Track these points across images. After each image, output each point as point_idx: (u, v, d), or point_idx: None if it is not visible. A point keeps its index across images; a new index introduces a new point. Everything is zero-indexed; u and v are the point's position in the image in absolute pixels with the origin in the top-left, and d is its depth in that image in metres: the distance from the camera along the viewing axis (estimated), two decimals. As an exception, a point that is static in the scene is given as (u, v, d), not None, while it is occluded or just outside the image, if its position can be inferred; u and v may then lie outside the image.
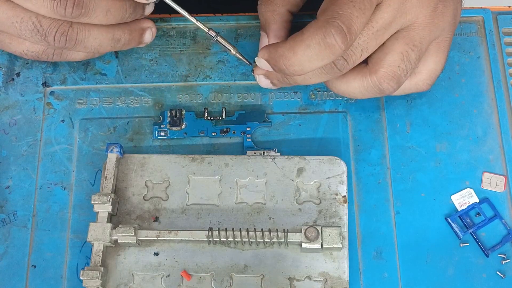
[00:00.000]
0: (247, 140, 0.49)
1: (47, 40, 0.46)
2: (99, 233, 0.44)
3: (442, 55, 0.46)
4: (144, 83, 0.51)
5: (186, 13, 0.47)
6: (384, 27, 0.43)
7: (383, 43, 0.44)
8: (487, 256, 0.46)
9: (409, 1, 0.43)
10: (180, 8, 0.47)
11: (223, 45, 0.48)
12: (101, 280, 0.43)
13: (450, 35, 0.46)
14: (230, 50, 0.48)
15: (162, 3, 0.47)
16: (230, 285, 0.44)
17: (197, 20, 0.47)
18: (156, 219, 0.45)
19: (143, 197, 0.46)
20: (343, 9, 0.40)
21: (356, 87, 0.45)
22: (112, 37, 0.48)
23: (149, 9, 0.49)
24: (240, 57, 0.48)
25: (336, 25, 0.40)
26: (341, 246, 0.43)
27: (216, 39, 0.47)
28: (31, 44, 0.48)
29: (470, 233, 0.46)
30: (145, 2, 0.46)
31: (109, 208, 0.44)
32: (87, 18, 0.45)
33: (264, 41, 0.47)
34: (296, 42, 0.41)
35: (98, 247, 0.44)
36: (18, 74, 0.51)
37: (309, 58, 0.41)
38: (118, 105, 0.50)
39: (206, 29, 0.47)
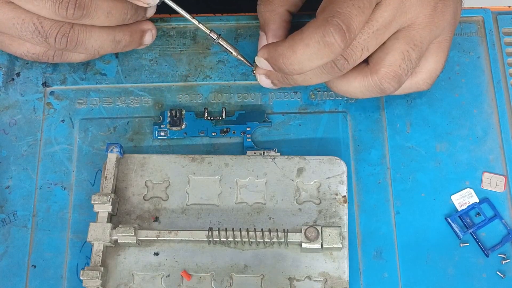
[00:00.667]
0: (247, 140, 0.49)
1: (48, 41, 0.46)
2: (99, 233, 0.44)
3: (442, 54, 0.46)
4: (144, 83, 0.51)
5: (188, 15, 0.47)
6: (384, 26, 0.43)
7: (383, 43, 0.44)
8: (487, 256, 0.46)
9: (409, 0, 0.43)
10: (182, 10, 0.47)
11: (225, 48, 0.48)
12: (101, 280, 0.43)
13: (450, 35, 0.46)
14: (232, 52, 0.48)
15: (162, 4, 0.47)
16: (230, 285, 0.44)
17: (199, 22, 0.47)
18: (156, 219, 0.45)
19: (143, 197, 0.46)
20: (342, 8, 0.40)
21: (357, 86, 0.45)
22: (113, 39, 0.48)
23: (151, 11, 0.49)
24: (242, 59, 0.48)
25: (335, 23, 0.40)
26: (341, 246, 0.43)
27: (218, 41, 0.47)
28: (31, 46, 0.48)
29: (470, 233, 0.46)
30: (146, 5, 0.46)
31: (109, 208, 0.44)
32: (89, 19, 0.45)
33: (263, 41, 0.47)
34: (295, 41, 0.41)
35: (98, 247, 0.44)
36: (18, 74, 0.51)
37: (309, 57, 0.41)
38: (118, 105, 0.50)
39: (207, 31, 0.47)
